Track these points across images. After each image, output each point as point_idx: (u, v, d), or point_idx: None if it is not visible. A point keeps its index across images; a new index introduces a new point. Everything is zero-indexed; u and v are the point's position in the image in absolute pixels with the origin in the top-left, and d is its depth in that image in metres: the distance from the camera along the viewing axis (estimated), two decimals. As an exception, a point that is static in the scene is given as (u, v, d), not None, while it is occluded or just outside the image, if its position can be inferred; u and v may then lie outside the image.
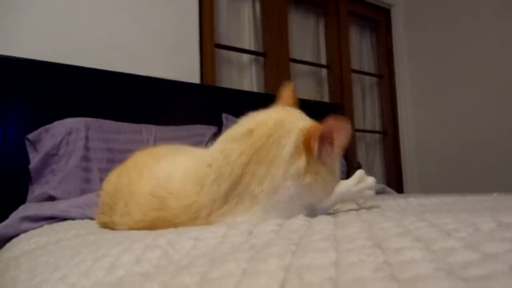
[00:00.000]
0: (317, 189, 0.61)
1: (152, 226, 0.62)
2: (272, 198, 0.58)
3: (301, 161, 0.59)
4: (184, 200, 0.60)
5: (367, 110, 2.96)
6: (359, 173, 0.84)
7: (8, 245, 0.94)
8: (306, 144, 0.60)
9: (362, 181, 0.83)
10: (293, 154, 0.59)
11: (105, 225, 0.78)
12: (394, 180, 2.92)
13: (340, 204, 0.83)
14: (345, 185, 0.81)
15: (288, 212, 0.57)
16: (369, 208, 0.82)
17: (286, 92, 0.76)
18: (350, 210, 0.78)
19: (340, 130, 0.59)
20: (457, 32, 2.66)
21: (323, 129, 0.59)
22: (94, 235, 0.72)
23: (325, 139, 0.59)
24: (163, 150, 0.81)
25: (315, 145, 0.59)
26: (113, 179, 0.80)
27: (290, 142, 0.60)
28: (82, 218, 1.01)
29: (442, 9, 2.77)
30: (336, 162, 0.64)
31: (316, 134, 0.59)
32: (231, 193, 0.59)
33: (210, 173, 0.60)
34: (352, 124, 2.74)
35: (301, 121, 0.65)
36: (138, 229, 0.64)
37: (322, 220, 0.44)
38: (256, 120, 0.64)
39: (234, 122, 0.69)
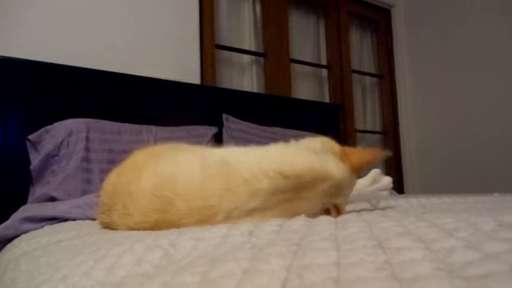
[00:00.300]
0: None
1: (153, 227, 0.61)
2: None
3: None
4: (196, 201, 0.58)
5: (367, 111, 2.96)
6: (374, 172, 0.81)
7: (9, 246, 0.95)
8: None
9: (377, 181, 0.80)
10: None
11: (106, 225, 0.77)
12: (394, 180, 2.90)
13: (353, 204, 0.81)
14: (359, 185, 0.78)
15: None
16: (384, 208, 0.80)
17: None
18: (353, 211, 0.78)
19: (372, 159, 0.67)
20: (457, 32, 2.66)
21: (353, 163, 0.66)
22: (95, 235, 0.72)
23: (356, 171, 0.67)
24: (161, 148, 0.80)
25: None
26: (112, 178, 0.79)
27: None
28: (83, 219, 1.01)
29: (442, 9, 2.77)
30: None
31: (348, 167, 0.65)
32: (258, 210, 0.57)
33: (241, 184, 0.58)
34: (353, 124, 2.74)
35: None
36: (139, 230, 0.63)
37: (323, 220, 0.44)
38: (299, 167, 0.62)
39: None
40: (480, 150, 2.51)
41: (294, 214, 0.54)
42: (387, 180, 0.81)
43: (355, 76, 2.86)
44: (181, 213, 0.59)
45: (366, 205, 0.81)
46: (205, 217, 0.57)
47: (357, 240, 0.32)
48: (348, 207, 0.78)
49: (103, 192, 0.79)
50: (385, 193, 0.80)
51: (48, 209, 1.08)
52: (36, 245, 0.76)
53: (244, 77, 2.35)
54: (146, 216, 0.62)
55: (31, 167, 1.33)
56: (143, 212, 0.63)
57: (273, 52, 2.36)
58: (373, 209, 0.77)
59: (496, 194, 1.08)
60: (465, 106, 2.61)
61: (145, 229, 0.62)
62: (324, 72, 2.74)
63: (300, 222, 0.44)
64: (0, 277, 0.66)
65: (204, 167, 0.62)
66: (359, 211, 0.75)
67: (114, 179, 0.77)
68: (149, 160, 0.73)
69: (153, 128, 1.56)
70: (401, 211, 0.78)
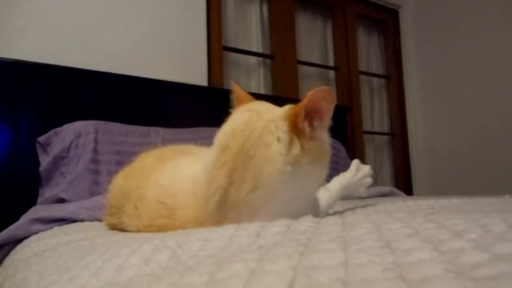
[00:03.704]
0: (316, 169, 0.59)
1: (160, 230, 0.62)
2: (273, 197, 0.56)
3: (296, 146, 0.57)
4: (191, 213, 0.60)
5: (375, 112, 2.95)
6: (355, 162, 0.86)
7: (19, 246, 0.96)
8: (294, 128, 0.58)
9: (359, 170, 0.84)
10: (284, 143, 0.57)
11: (113, 227, 0.78)
12: (403, 182, 2.89)
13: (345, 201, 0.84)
14: (345, 178, 0.82)
15: (295, 204, 0.57)
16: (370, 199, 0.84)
17: (238, 92, 0.74)
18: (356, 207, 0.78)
19: (323, 99, 0.57)
20: (465, 32, 2.64)
21: (306, 105, 0.57)
22: (103, 237, 0.73)
23: (311, 114, 0.58)
24: (168, 151, 0.81)
25: (304, 125, 0.57)
26: (119, 181, 0.80)
27: (273, 135, 0.58)
28: (91, 220, 1.02)
29: (450, 9, 2.75)
30: (326, 134, 0.62)
31: (301, 113, 0.57)
32: (224, 206, 0.57)
33: (204, 191, 0.59)
34: (360, 125, 2.73)
35: (274, 110, 0.63)
36: (147, 232, 0.65)
37: (330, 222, 0.44)
38: (225, 133, 0.63)
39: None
40: (489, 151, 2.48)
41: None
42: (367, 168, 0.85)
43: (363, 77, 2.85)
44: (183, 219, 0.60)
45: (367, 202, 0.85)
46: (201, 226, 0.58)
47: (365, 241, 0.32)
48: (348, 205, 0.80)
49: (110, 195, 0.80)
50: (368, 179, 0.84)
51: (57, 210, 1.09)
52: (46, 246, 0.76)
53: (252, 79, 2.36)
54: (153, 220, 0.64)
55: (41, 168, 1.34)
56: (151, 216, 0.64)
57: (280, 54, 2.36)
58: (365, 197, 0.84)
59: (507, 196, 1.06)
60: (473, 106, 2.58)
61: (152, 231, 0.63)
62: (332, 73, 2.73)
63: (307, 223, 0.44)
64: (11, 277, 0.66)
65: (195, 176, 0.64)
66: (353, 208, 0.76)
67: (122, 182, 0.78)
68: (158, 163, 0.74)
69: (160, 130, 1.57)
70: (409, 212, 0.77)
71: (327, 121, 0.59)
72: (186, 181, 0.65)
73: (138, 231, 0.67)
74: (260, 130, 0.59)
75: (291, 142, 0.57)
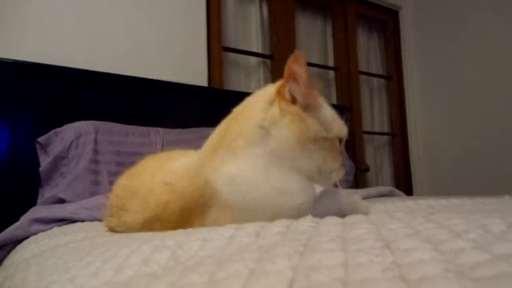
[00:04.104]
0: (293, 134, 0.61)
1: (164, 209, 0.65)
2: (252, 148, 0.62)
3: (275, 107, 0.63)
4: (187, 185, 0.65)
5: (375, 112, 2.95)
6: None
7: (19, 247, 0.96)
8: (278, 92, 0.64)
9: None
10: (267, 103, 0.64)
11: (112, 229, 0.78)
12: (403, 182, 2.89)
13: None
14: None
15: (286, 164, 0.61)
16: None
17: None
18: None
19: (294, 61, 0.61)
20: (466, 33, 2.64)
21: (285, 71, 0.63)
22: (102, 237, 0.73)
23: (289, 79, 0.63)
24: (174, 153, 0.84)
25: (284, 90, 0.63)
26: (123, 181, 0.81)
27: (263, 98, 0.65)
28: (91, 220, 1.02)
29: (451, 10, 2.75)
30: (319, 109, 0.65)
31: (283, 79, 0.63)
32: (212, 158, 0.64)
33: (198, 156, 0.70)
34: (360, 125, 2.73)
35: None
36: (150, 220, 0.67)
37: (330, 222, 0.44)
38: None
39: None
40: (489, 151, 2.48)
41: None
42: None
43: (363, 78, 2.85)
44: (182, 190, 0.65)
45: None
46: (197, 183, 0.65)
47: (365, 241, 0.32)
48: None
49: (112, 196, 0.80)
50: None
51: (57, 210, 1.09)
52: (45, 247, 0.76)
53: (252, 79, 2.36)
54: (159, 200, 0.67)
55: (40, 169, 1.34)
56: (157, 199, 0.67)
57: (280, 54, 2.36)
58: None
59: (507, 196, 1.06)
60: (473, 107, 2.58)
61: (156, 215, 0.66)
62: (331, 73, 2.73)
63: (307, 223, 0.44)
64: (11, 277, 0.66)
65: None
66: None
67: (125, 182, 0.79)
68: (164, 163, 0.77)
69: (160, 130, 1.57)
70: (409, 212, 0.77)
71: (303, 84, 0.62)
72: (187, 163, 0.71)
73: (142, 225, 0.68)
74: (257, 97, 0.68)
75: (272, 103, 0.63)
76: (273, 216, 0.54)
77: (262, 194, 0.59)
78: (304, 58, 0.61)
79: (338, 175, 0.65)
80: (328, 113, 0.66)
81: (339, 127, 0.66)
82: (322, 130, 0.62)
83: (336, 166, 0.64)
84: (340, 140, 0.66)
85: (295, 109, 0.62)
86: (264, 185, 0.59)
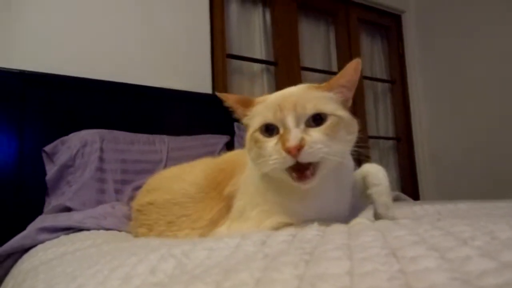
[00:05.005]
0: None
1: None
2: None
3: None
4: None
5: (380, 117, 2.94)
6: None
7: (26, 255, 0.96)
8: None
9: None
10: None
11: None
12: (409, 186, 2.87)
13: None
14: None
15: None
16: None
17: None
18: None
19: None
20: (468, 36, 2.63)
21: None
22: (109, 244, 0.73)
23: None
24: (187, 165, 0.98)
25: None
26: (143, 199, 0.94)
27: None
28: (97, 229, 1.02)
29: (454, 14, 2.74)
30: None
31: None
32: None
33: None
34: (365, 130, 2.72)
35: None
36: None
37: (335, 230, 0.44)
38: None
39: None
40: (495, 155, 2.46)
41: None
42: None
43: (367, 82, 2.84)
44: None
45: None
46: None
47: (370, 249, 0.32)
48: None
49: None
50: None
51: (64, 219, 1.09)
52: (53, 255, 0.77)
53: (255, 86, 2.36)
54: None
55: (47, 178, 1.35)
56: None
57: (284, 60, 2.37)
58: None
59: (513, 200, 1.05)
60: (478, 110, 2.57)
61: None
62: (335, 79, 2.73)
63: (313, 231, 0.44)
64: (19, 285, 0.67)
65: None
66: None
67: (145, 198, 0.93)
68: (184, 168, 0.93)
69: (165, 137, 1.58)
70: (415, 218, 0.77)
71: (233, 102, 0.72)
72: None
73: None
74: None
75: None
76: None
77: None
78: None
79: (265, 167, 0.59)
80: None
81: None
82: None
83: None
84: (269, 127, 0.60)
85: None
86: None
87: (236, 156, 0.85)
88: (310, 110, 0.58)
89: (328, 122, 0.59)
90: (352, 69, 0.65)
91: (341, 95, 0.65)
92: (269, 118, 0.60)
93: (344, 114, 0.63)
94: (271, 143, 0.59)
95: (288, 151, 0.54)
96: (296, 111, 0.58)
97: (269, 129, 0.60)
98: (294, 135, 0.56)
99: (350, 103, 0.68)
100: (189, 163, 0.98)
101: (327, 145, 0.57)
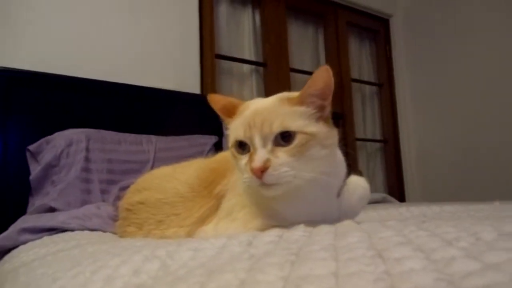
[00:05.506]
0: None
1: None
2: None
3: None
4: None
5: (367, 119, 2.96)
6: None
7: (7, 256, 0.94)
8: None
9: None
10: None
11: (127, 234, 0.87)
12: (395, 188, 2.90)
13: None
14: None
15: None
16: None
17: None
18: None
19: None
20: (456, 39, 2.68)
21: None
22: (93, 245, 0.72)
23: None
24: (178, 166, 0.96)
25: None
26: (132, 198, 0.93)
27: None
28: (81, 230, 1.01)
29: (441, 18, 2.79)
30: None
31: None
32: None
33: None
34: (353, 133, 2.74)
35: None
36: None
37: (322, 230, 0.43)
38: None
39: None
40: (480, 158, 2.50)
41: None
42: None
43: (355, 85, 2.87)
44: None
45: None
46: None
47: (356, 250, 0.32)
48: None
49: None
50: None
51: (47, 220, 1.07)
52: (34, 256, 0.75)
53: (244, 87, 2.36)
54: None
55: (31, 177, 1.32)
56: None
57: (273, 62, 2.37)
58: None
59: (497, 203, 1.07)
60: (465, 113, 2.61)
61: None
62: (324, 81, 2.74)
63: (299, 232, 0.44)
64: (-2, 288, 0.65)
65: None
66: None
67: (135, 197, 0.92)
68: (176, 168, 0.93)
69: (153, 137, 1.56)
70: (401, 220, 0.77)
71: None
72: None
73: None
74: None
75: None
76: None
77: None
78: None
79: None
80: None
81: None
82: None
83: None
84: (242, 143, 0.61)
85: None
86: None
87: (229, 157, 0.85)
88: (277, 128, 0.57)
89: (296, 141, 0.57)
90: (319, 76, 0.60)
91: (313, 106, 0.61)
92: (241, 136, 0.60)
93: (316, 129, 0.60)
94: (244, 160, 0.60)
95: (253, 172, 0.55)
96: (262, 130, 0.57)
97: (242, 146, 0.61)
98: (259, 156, 0.56)
99: (327, 111, 0.63)
100: (182, 163, 0.97)
101: (293, 167, 0.56)
